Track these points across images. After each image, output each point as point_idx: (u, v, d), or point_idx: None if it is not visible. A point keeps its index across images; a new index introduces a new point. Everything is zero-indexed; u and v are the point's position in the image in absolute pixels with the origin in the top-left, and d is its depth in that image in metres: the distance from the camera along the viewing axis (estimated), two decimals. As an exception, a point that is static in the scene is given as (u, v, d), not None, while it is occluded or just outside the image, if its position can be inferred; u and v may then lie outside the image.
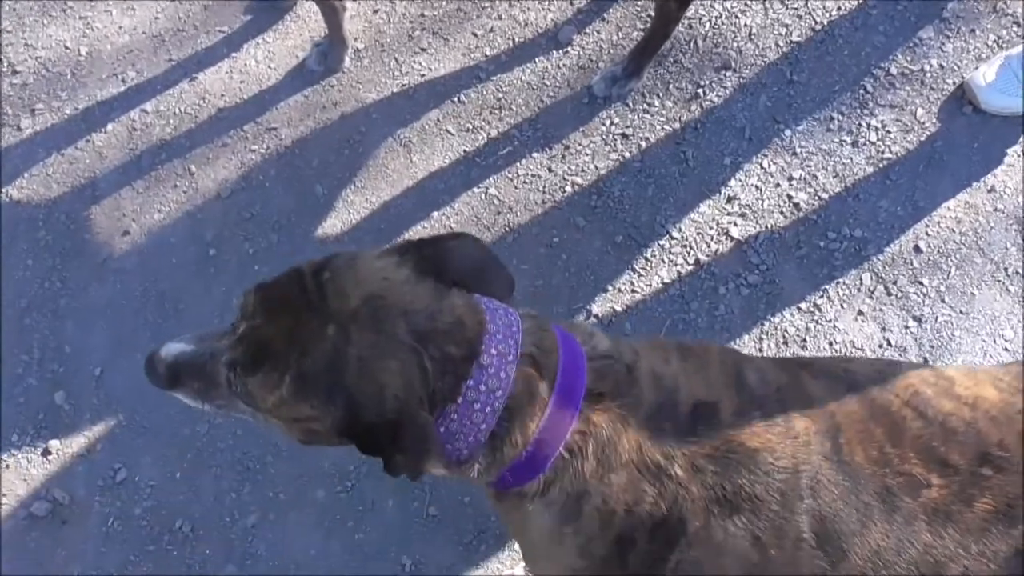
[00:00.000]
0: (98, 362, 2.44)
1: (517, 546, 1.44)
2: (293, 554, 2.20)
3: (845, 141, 2.70)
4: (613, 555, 1.21)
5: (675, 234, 2.60)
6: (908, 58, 2.78)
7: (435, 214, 2.65)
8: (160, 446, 2.32)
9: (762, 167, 2.69)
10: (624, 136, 2.75)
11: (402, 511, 2.23)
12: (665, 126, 2.76)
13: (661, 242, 2.59)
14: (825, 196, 2.63)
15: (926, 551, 1.16)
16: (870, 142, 2.69)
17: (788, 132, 2.72)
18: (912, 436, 1.19)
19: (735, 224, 2.61)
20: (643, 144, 2.74)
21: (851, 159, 2.67)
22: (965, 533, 1.16)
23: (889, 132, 2.69)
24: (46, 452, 2.33)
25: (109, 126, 2.80)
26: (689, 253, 2.58)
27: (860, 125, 2.71)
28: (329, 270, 1.11)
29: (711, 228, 2.61)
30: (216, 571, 2.19)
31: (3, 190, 2.69)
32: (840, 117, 2.73)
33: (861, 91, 2.75)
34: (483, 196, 2.68)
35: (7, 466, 2.31)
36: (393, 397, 1.06)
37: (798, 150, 2.70)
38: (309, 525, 2.23)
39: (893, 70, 2.77)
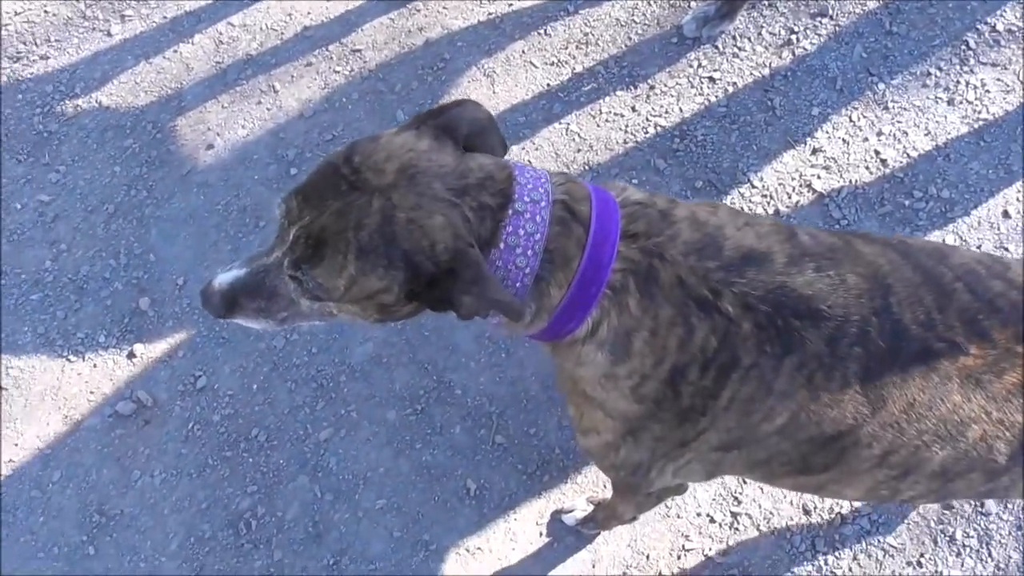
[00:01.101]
0: (181, 271, 2.56)
1: (572, 420, 1.51)
2: (363, 470, 2.33)
3: (941, 98, 2.69)
4: (666, 396, 1.31)
5: (756, 183, 2.63)
6: (1017, 14, 2.74)
7: (514, 148, 2.70)
8: (239, 358, 2.45)
9: (851, 120, 2.69)
10: (711, 79, 2.77)
11: (469, 437, 2.35)
12: (754, 71, 2.77)
13: (741, 190, 2.63)
14: (914, 154, 2.64)
15: (954, 410, 1.27)
16: (967, 101, 2.68)
17: (881, 85, 2.72)
18: (959, 308, 1.28)
19: (818, 177, 2.63)
20: (730, 89, 2.75)
21: (945, 117, 2.67)
22: (990, 400, 1.26)
23: (988, 91, 2.68)
24: (131, 355, 2.47)
25: (196, 37, 2.88)
26: (769, 203, 2.61)
27: (958, 82, 2.70)
28: (358, 154, 1.22)
29: (793, 179, 2.63)
30: (289, 480, 2.33)
31: (92, 95, 2.80)
32: (938, 73, 2.72)
33: (963, 47, 2.73)
34: (564, 132, 2.72)
35: (94, 365, 2.46)
36: (444, 248, 1.17)
37: (890, 105, 2.70)
38: (379, 444, 2.36)
39: (999, 26, 2.73)
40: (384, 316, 1.29)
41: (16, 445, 2.38)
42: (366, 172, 1.20)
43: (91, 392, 2.44)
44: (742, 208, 2.60)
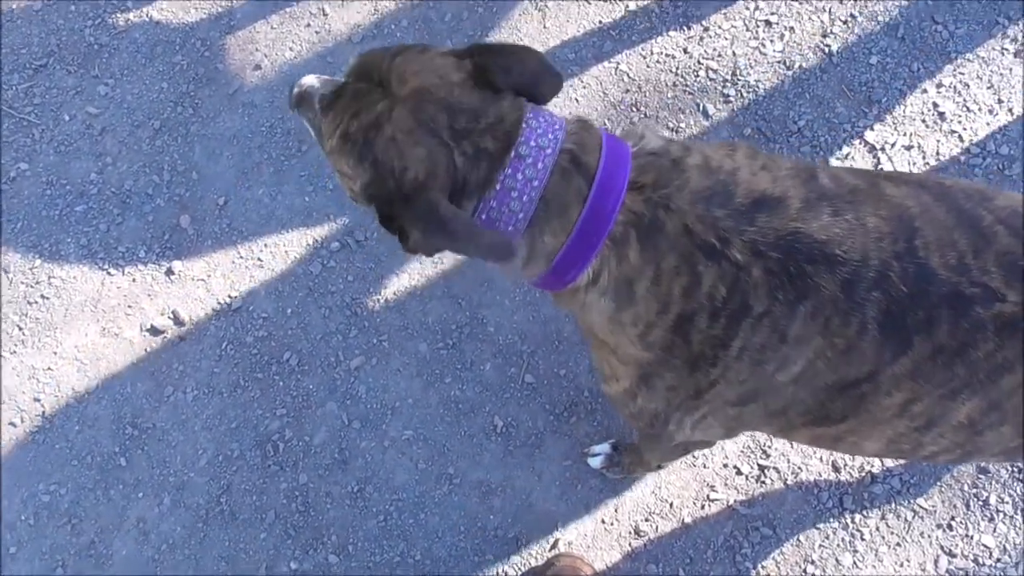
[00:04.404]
0: (222, 191, 2.38)
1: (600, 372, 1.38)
2: (391, 400, 2.16)
3: (1007, 49, 2.39)
4: (675, 343, 1.17)
5: (806, 132, 2.37)
6: (1096, -33, 2.41)
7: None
8: (275, 281, 2.28)
9: (910, 70, 2.40)
10: (768, 23, 2.49)
11: (499, 374, 2.16)
12: (813, 16, 2.48)
13: (791, 139, 2.37)
14: (975, 107, 2.35)
15: (987, 358, 1.10)
16: (1035, 55, 2.37)
17: (946, 34, 2.42)
18: (998, 251, 1.10)
19: (871, 128, 2.36)
20: (786, 34, 2.47)
21: (1011, 69, 2.37)
22: None
23: (1059, 47, 2.37)
24: (169, 272, 2.30)
25: (248, -43, 2.65)
26: (818, 153, 2.35)
27: (1027, 35, 2.39)
28: (403, 55, 1.16)
29: (845, 130, 2.37)
30: (318, 405, 2.17)
31: (144, 10, 2.59)
32: (1007, 22, 2.41)
33: (1035, -2, 2.42)
34: (613, 71, 2.47)
35: (133, 279, 2.30)
36: (413, 178, 1.10)
37: (953, 55, 2.40)
38: (409, 375, 2.18)
39: (1076, -21, 2.41)
40: (353, 198, 1.22)
41: (55, 353, 2.24)
42: (393, 75, 1.13)
43: (129, 306, 2.28)
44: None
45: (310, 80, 1.27)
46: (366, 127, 1.13)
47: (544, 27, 2.52)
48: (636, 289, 1.15)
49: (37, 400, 2.20)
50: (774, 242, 1.09)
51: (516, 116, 1.14)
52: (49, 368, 2.23)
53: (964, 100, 2.36)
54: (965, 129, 2.34)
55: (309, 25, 2.56)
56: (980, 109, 2.35)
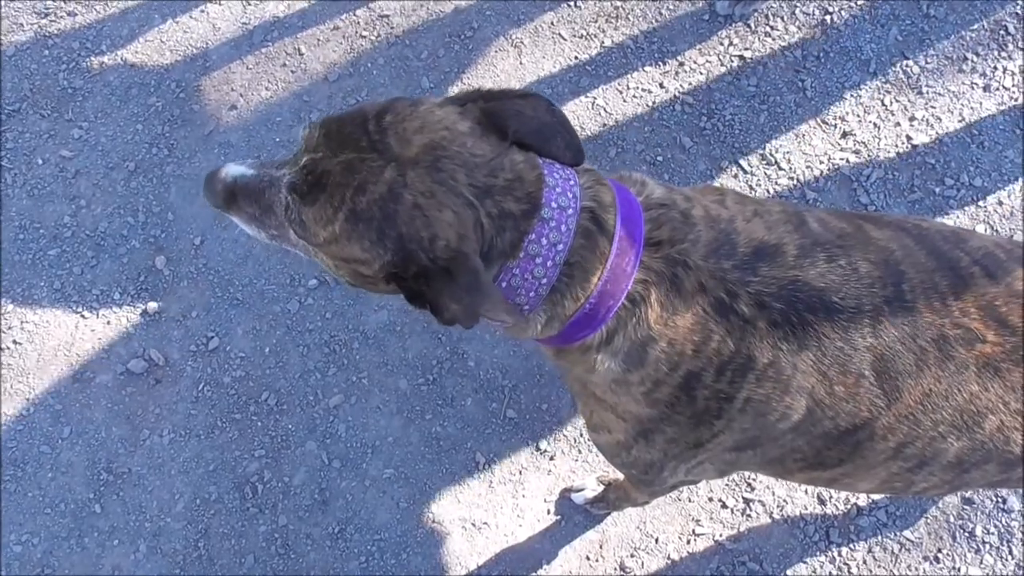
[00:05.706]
0: (198, 231, 2.43)
1: (585, 432, 1.40)
2: (371, 438, 2.20)
3: (976, 84, 2.50)
4: (680, 399, 1.20)
5: (783, 164, 2.46)
6: (1059, 1, 2.54)
7: (539, 119, 2.54)
8: (252, 320, 2.32)
9: (883, 104, 2.51)
10: (742, 58, 2.59)
11: (481, 409, 2.21)
12: (786, 52, 2.59)
13: (768, 171, 2.46)
14: (947, 141, 2.45)
15: (971, 400, 1.17)
16: (1004, 87, 2.49)
17: (916, 69, 2.53)
18: (976, 293, 1.18)
19: (847, 161, 2.46)
20: (761, 68, 2.58)
21: (980, 104, 2.48)
22: (1008, 390, 1.17)
23: (1027, 79, 2.49)
24: (145, 313, 2.35)
25: (224, -2, 2.74)
26: (796, 186, 2.44)
27: (996, 68, 2.51)
28: (392, 113, 1.08)
29: (822, 162, 2.46)
30: (297, 445, 2.20)
31: (118, 53, 2.66)
32: (975, 58, 2.53)
33: (1002, 32, 2.54)
34: (590, 106, 2.56)
35: (108, 322, 2.34)
36: (445, 246, 1.04)
37: (924, 89, 2.51)
38: (389, 412, 2.22)
39: (1041, 13, 2.54)
40: (358, 283, 1.16)
41: (28, 400, 2.27)
42: (391, 136, 1.06)
43: (104, 349, 2.31)
44: (768, 192, 2.43)
45: (237, 169, 1.19)
46: (381, 199, 1.04)
47: (520, 63, 2.62)
48: (650, 351, 1.17)
49: (9, 448, 2.22)
50: (776, 292, 1.14)
51: (536, 175, 1.10)
52: (22, 415, 2.25)
53: (937, 133, 2.47)
54: (939, 162, 2.44)
55: (285, 65, 2.64)
56: (952, 142, 2.45)
